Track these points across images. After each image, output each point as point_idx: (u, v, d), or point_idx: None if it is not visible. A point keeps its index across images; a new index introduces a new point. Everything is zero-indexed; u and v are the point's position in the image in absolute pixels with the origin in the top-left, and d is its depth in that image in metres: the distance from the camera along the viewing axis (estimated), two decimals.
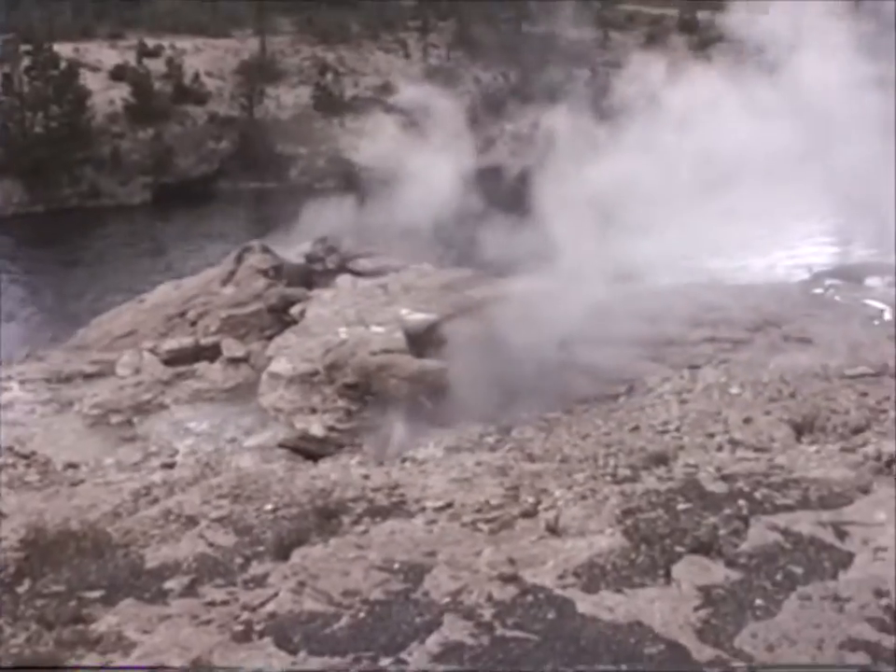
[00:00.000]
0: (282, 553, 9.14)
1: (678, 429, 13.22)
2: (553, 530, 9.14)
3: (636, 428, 13.63)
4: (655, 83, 20.52)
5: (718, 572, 7.88)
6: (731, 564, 7.99)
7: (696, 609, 7.43)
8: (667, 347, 17.23)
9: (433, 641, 7.24)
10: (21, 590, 8.94)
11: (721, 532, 8.49)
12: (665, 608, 7.45)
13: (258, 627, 7.78)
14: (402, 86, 52.89)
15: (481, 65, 54.68)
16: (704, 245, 19.71)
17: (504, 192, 24.30)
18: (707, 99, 19.30)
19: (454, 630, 7.38)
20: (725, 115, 18.97)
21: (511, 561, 8.46)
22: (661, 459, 11.12)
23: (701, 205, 17.95)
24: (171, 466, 14.50)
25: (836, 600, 7.37)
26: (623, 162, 18.47)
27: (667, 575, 7.89)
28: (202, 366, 18.66)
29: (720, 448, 11.90)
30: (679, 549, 8.26)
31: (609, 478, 10.67)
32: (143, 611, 8.29)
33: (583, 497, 9.94)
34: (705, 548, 8.19)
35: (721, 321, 18.02)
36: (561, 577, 8.05)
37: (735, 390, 14.62)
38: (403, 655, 7.11)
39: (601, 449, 12.48)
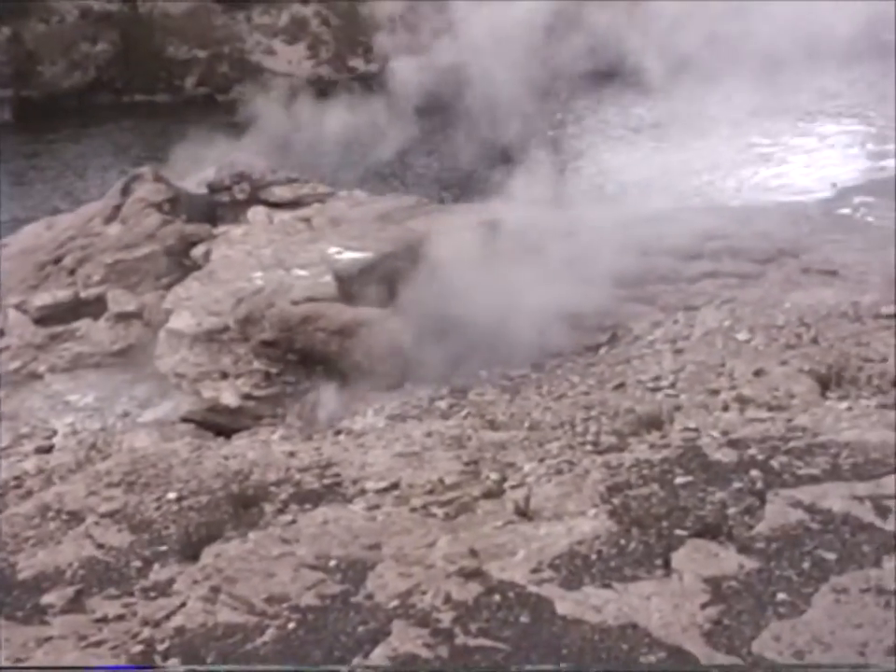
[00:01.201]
0: (190, 552, 9.12)
1: (672, 386, 13.28)
2: (524, 513, 9.17)
3: (620, 386, 13.68)
4: None
5: (729, 560, 7.91)
6: (745, 550, 8.02)
7: (704, 606, 7.46)
8: (658, 285, 17.27)
9: (380, 654, 7.24)
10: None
11: (731, 511, 8.54)
12: (664, 605, 7.48)
13: (161, 647, 7.76)
14: None
15: None
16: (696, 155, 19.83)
17: (449, 93, 24.20)
18: None
19: (404, 640, 7.38)
20: None
21: (473, 553, 8.47)
22: (653, 423, 11.18)
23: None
24: (47, 450, 14.42)
25: (881, 593, 7.37)
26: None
27: (666, 565, 7.92)
28: (83, 324, 18.50)
29: (725, 407, 11.94)
30: (679, 532, 8.30)
31: (589, 447, 10.73)
32: (16, 634, 8.24)
33: (559, 472, 9.98)
34: (711, 531, 8.24)
35: (724, 251, 18.07)
36: (535, 570, 8.08)
37: (742, 336, 14.69)
38: None
39: (579, 412, 12.51)
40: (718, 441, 10.07)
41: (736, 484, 8.98)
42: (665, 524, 8.45)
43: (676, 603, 7.47)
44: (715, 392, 12.63)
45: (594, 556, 8.16)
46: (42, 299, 19.38)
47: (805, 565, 7.74)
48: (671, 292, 17.06)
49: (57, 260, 20.64)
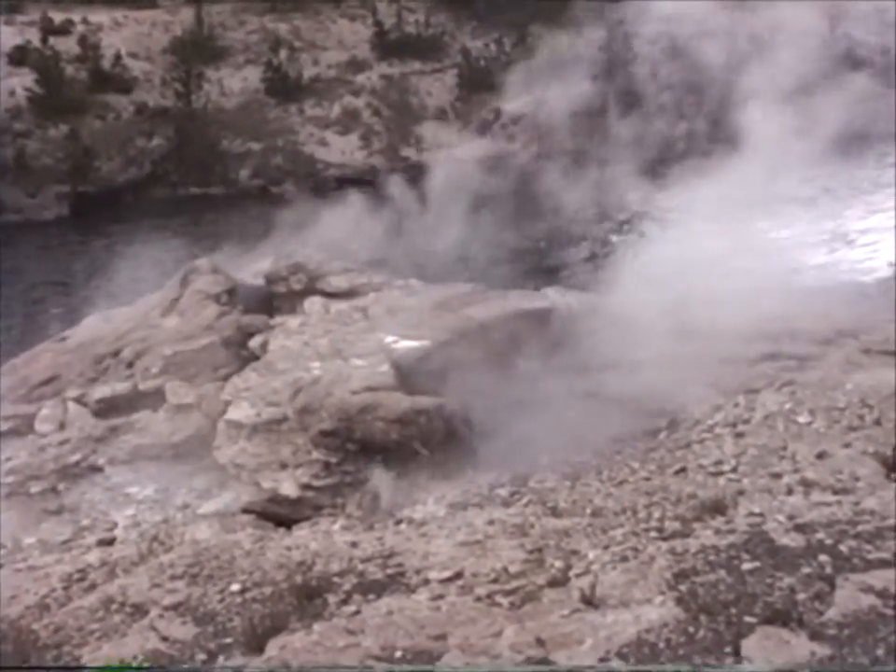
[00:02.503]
0: (255, 644, 9.11)
1: (734, 470, 13.16)
2: (590, 601, 9.11)
3: (682, 471, 13.58)
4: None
5: (800, 647, 7.82)
6: (816, 636, 7.93)
7: None
8: (717, 368, 17.20)
9: None
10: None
11: (801, 596, 8.46)
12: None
13: None
14: (373, 61, 53.18)
15: (468, 31, 54.78)
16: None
17: (504, 188, 24.45)
18: None
19: None
20: None
21: (540, 642, 8.43)
22: (717, 508, 11.09)
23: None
24: (109, 542, 14.45)
25: None
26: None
27: (736, 652, 7.84)
28: (142, 416, 18.58)
29: (789, 491, 11.82)
30: (748, 619, 8.22)
31: (653, 533, 10.65)
32: None
33: (624, 559, 9.92)
34: (781, 617, 8.15)
35: (783, 333, 17.98)
36: (603, 659, 8.02)
37: (803, 419, 14.57)
38: None
39: (641, 498, 12.43)
40: (784, 526, 9.99)
41: (805, 570, 8.90)
42: (733, 610, 8.38)
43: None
44: (778, 476, 12.50)
45: (662, 644, 8.10)
46: (101, 391, 19.52)
47: (879, 651, 7.65)
48: (731, 375, 16.97)
49: (116, 353, 20.81)
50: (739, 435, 14.54)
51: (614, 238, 32.42)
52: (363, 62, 53.11)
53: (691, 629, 8.22)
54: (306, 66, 52.02)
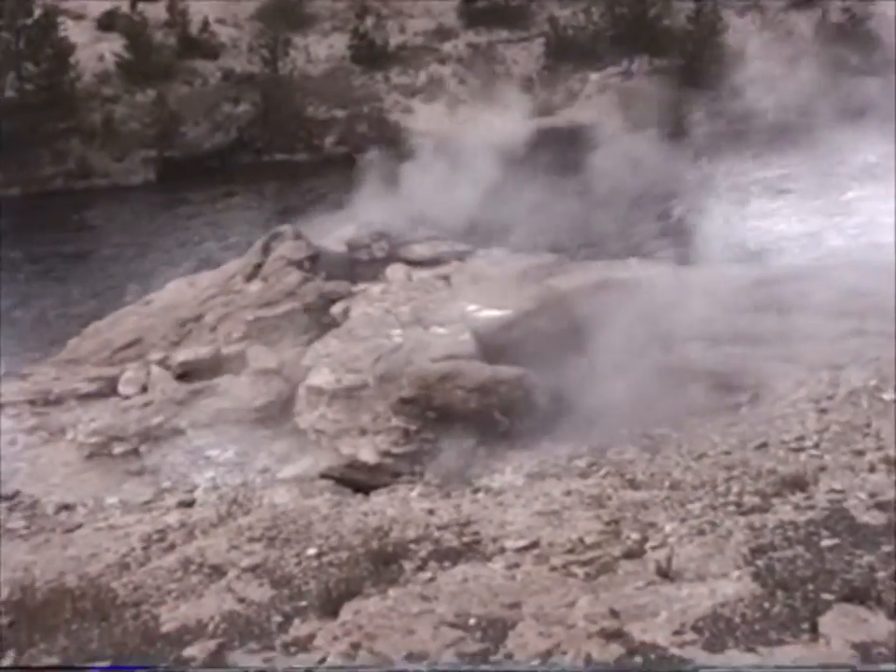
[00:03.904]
0: (330, 608, 9.16)
1: (817, 446, 13.04)
2: (665, 574, 9.08)
3: (763, 446, 13.48)
4: None
5: (879, 625, 7.73)
6: (894, 615, 7.85)
7: None
8: (801, 344, 17.03)
9: None
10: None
11: (880, 574, 8.36)
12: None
13: None
14: (459, 29, 53.06)
15: (556, 0, 54.44)
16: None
17: (589, 159, 24.29)
18: None
19: None
20: None
21: (614, 613, 8.40)
22: (797, 484, 11.00)
23: None
24: (189, 504, 14.59)
25: None
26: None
27: (813, 629, 7.77)
28: (224, 380, 18.73)
29: (872, 468, 11.68)
30: (826, 596, 8.15)
31: (732, 508, 10.58)
32: None
33: (701, 533, 9.87)
34: (859, 595, 8.07)
35: (870, 309, 17.73)
36: (677, 632, 7.99)
37: (888, 396, 14.37)
38: None
39: (720, 472, 12.36)
40: (865, 504, 9.89)
41: (885, 548, 8.80)
42: (810, 587, 8.30)
43: (824, 668, 7.34)
44: (861, 453, 12.37)
45: (737, 619, 8.04)
46: (184, 355, 19.71)
47: None
48: (815, 351, 16.79)
49: (198, 318, 21.00)
50: (822, 411, 14.39)
51: (700, 210, 32.20)
52: (450, 30, 53.09)
53: (767, 605, 8.16)
54: (392, 34, 52.10)
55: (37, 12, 45.31)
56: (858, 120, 21.66)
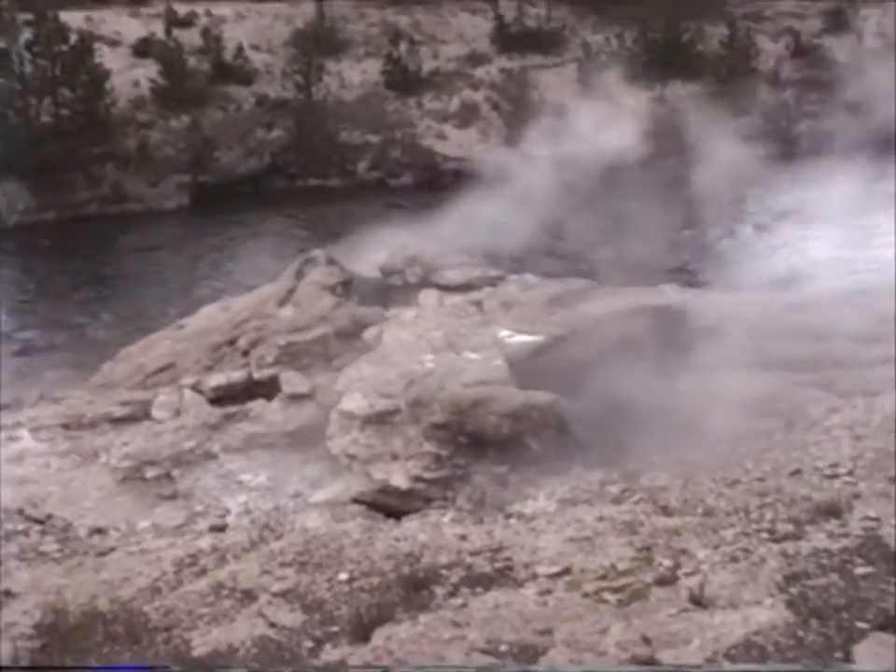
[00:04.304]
0: (361, 633, 9.15)
1: (851, 473, 12.97)
2: (698, 601, 9.04)
3: (797, 472, 13.42)
4: None
5: None
6: None
7: None
8: (835, 370, 16.99)
9: None
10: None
11: None
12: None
13: None
14: (493, 55, 53.15)
15: (589, 26, 54.54)
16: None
17: (624, 185, 24.34)
18: None
19: None
20: None
21: (646, 640, 8.38)
22: (831, 511, 10.94)
23: None
24: (221, 528, 14.62)
25: None
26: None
27: (847, 658, 7.73)
28: (256, 405, 18.81)
29: None
30: (860, 625, 8.10)
31: (765, 535, 10.53)
32: None
33: (734, 560, 9.83)
34: (894, 623, 8.03)
35: None
36: (710, 660, 7.95)
37: None
38: None
39: (754, 499, 12.30)
40: None
41: None
42: (844, 615, 8.26)
43: None
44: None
45: (770, 647, 8.00)
46: (217, 379, 19.80)
47: None
48: (849, 377, 16.75)
49: (231, 342, 21.09)
50: (857, 437, 14.32)
51: (733, 236, 32.16)
52: (483, 55, 53.15)
53: (800, 633, 8.12)
54: (426, 59, 52.17)
55: (73, 38, 45.53)
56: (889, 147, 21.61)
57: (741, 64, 48.96)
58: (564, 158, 26.16)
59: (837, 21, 52.66)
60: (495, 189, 24.38)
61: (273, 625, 9.77)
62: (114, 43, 49.95)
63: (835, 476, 12.88)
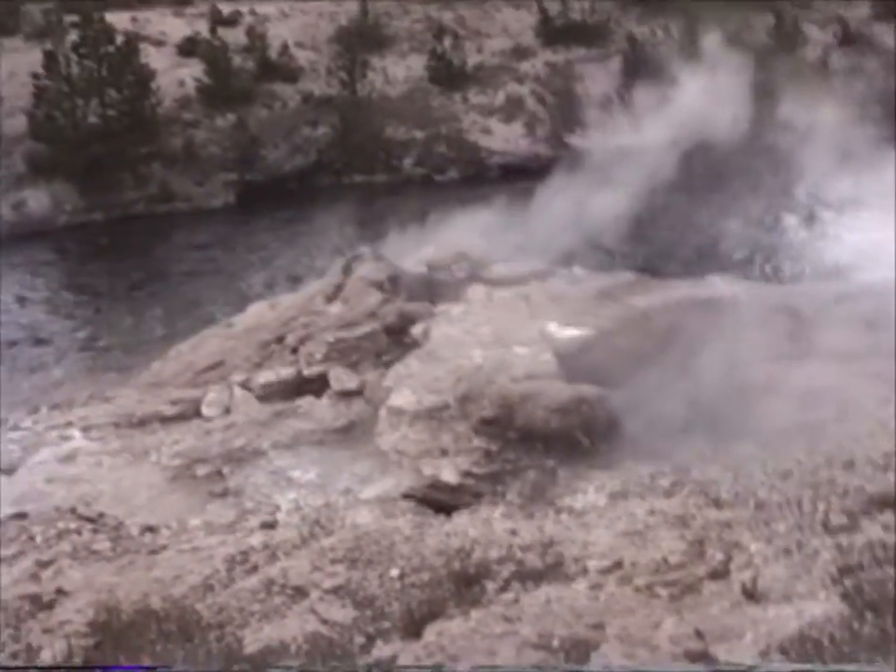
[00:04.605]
0: (413, 629, 9.15)
1: None
2: (751, 595, 9.00)
3: (850, 464, 13.32)
4: None
5: None
6: None
7: None
8: (888, 360, 16.84)
9: None
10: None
11: None
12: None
13: None
14: (537, 48, 53.04)
15: (634, 17, 54.34)
16: None
17: (671, 177, 24.23)
18: None
19: None
20: None
21: (699, 634, 8.34)
22: (886, 502, 10.86)
23: None
24: (272, 525, 14.62)
25: None
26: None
27: None
28: (305, 402, 18.84)
29: None
30: None
31: (818, 527, 10.46)
32: None
33: (787, 553, 9.77)
34: None
35: None
36: (764, 653, 7.90)
37: None
38: None
39: (807, 491, 12.21)
40: None
41: None
42: None
43: None
44: None
45: (825, 640, 7.94)
46: (266, 376, 19.83)
47: None
48: None
49: (280, 339, 21.13)
50: None
51: (786, 227, 31.96)
52: (527, 49, 53.09)
53: (855, 626, 8.05)
54: (470, 54, 52.16)
55: (119, 39, 45.80)
56: None
57: (789, 54, 48.65)
58: (609, 149, 26.02)
59: (887, 9, 52.20)
60: (541, 182, 24.31)
61: (324, 622, 9.79)
62: (159, 43, 50.30)
63: (889, 467, 12.77)
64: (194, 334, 23.74)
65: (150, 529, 14.99)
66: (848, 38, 51.24)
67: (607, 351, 17.33)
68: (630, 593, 9.53)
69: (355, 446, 17.40)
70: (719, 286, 20.58)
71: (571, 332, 18.12)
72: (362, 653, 9.03)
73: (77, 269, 38.34)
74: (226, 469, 17.08)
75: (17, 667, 7.86)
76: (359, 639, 9.31)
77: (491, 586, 10.04)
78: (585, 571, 10.23)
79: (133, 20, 50.44)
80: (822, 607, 8.41)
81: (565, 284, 21.21)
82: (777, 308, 17.57)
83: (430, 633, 9.02)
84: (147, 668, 7.51)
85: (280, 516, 15.23)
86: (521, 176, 37.09)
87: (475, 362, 17.50)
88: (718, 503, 12.42)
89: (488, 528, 12.33)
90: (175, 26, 51.99)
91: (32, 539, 13.65)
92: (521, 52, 52.70)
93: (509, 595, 9.74)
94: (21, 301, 33.53)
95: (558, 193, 23.19)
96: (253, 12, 53.24)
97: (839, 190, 28.94)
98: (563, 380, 16.84)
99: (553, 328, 18.35)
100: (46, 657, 9.59)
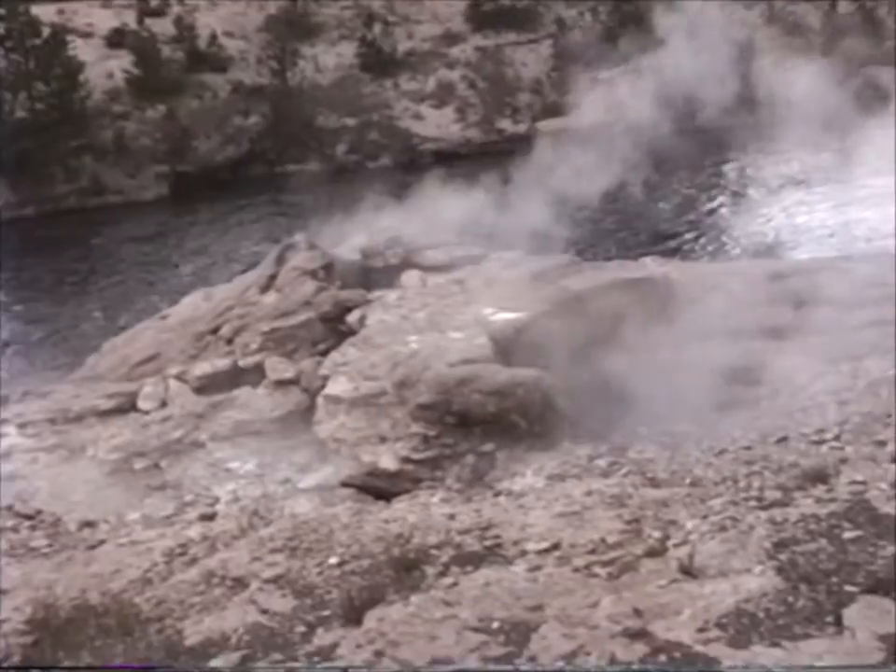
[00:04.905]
0: (353, 616, 9.13)
1: (837, 438, 13.01)
2: (688, 571, 9.04)
3: (783, 439, 13.45)
4: None
5: None
6: None
7: (881, 665, 7.26)
8: (819, 336, 16.99)
9: None
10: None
11: None
12: (837, 664, 7.30)
13: None
14: (467, 33, 53.03)
15: (563, 1, 54.36)
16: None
17: (604, 159, 24.29)
18: None
19: None
20: None
21: (638, 612, 8.37)
22: (819, 476, 10.94)
23: None
24: (210, 517, 14.60)
25: None
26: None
27: (838, 622, 7.72)
28: (242, 392, 18.79)
29: (894, 459, 11.65)
30: (849, 588, 8.10)
31: (753, 503, 10.53)
32: None
33: (723, 529, 9.83)
34: (884, 586, 8.00)
35: (887, 299, 17.69)
36: (701, 629, 7.94)
37: None
38: None
39: (741, 467, 12.31)
40: (887, 494, 9.83)
41: None
42: (834, 580, 8.25)
43: (850, 661, 7.29)
44: (882, 443, 12.31)
45: (761, 614, 7.99)
46: (202, 368, 19.74)
47: None
48: (833, 342, 16.74)
49: (215, 330, 21.04)
50: (842, 402, 14.36)
51: (718, 205, 32.15)
52: (457, 34, 53.10)
53: (791, 599, 8.11)
54: (400, 40, 52.16)
55: (46, 31, 45.45)
56: (873, 112, 21.53)
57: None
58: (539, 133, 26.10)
59: None
60: (473, 167, 24.34)
61: (264, 612, 9.75)
62: (87, 35, 49.90)
63: (822, 441, 12.93)
64: (131, 328, 23.62)
65: (88, 524, 14.93)
66: (775, 17, 51.52)
67: (542, 334, 17.35)
68: (568, 573, 9.54)
69: (293, 435, 17.38)
70: (651, 266, 20.68)
71: (506, 316, 18.14)
72: (303, 642, 9.00)
73: (11, 264, 37.90)
74: (164, 463, 17.03)
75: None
76: (300, 628, 9.28)
77: (430, 571, 10.03)
78: (524, 553, 10.23)
79: (60, 11, 49.95)
80: (758, 581, 8.46)
81: (499, 267, 21.21)
82: (709, 287, 17.65)
83: (371, 619, 9.00)
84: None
85: (219, 508, 15.21)
86: (453, 161, 37.08)
87: (411, 348, 17.51)
88: (654, 482, 12.50)
89: (427, 514, 12.34)
90: (102, 17, 51.57)
91: None
92: (451, 38, 52.72)
93: (448, 580, 9.73)
94: None
95: (491, 177, 23.16)
96: (181, 2, 52.96)
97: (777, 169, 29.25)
98: (499, 363, 16.87)
99: (487, 312, 18.37)
100: None
